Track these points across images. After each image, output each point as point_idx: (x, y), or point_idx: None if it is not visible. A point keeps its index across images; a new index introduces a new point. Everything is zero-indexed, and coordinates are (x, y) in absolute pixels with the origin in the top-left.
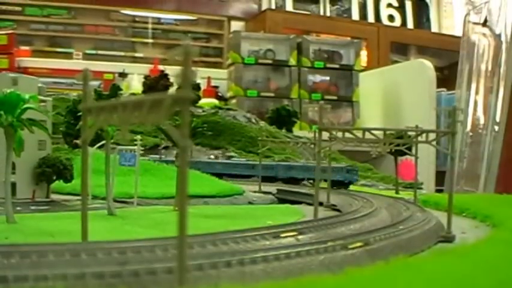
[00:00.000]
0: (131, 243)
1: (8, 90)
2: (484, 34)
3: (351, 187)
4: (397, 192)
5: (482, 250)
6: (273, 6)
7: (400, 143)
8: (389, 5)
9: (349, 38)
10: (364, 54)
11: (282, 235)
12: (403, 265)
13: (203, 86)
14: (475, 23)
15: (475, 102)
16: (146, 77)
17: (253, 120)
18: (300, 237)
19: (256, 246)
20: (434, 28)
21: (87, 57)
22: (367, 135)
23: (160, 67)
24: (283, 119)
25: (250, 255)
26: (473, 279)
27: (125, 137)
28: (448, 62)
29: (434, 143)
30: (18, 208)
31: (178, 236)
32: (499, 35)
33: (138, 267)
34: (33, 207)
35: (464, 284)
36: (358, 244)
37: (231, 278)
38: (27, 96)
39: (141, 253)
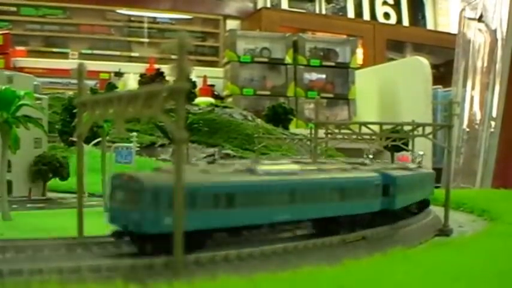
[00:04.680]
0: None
1: (3, 87)
2: (479, 30)
3: None
4: None
5: (480, 242)
6: (269, 5)
7: (397, 137)
8: (385, 3)
9: (344, 36)
10: (360, 52)
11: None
12: (400, 257)
13: (199, 85)
14: (470, 19)
15: (471, 99)
16: (142, 76)
17: (250, 118)
18: (298, 231)
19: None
20: (429, 25)
21: (83, 56)
22: (364, 130)
23: (156, 66)
24: (280, 116)
25: (248, 249)
26: (471, 270)
27: (120, 131)
28: (444, 59)
29: (430, 136)
30: (14, 206)
31: (174, 230)
32: (495, 31)
33: (135, 260)
34: (29, 205)
35: (461, 275)
36: (356, 237)
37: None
38: (22, 93)
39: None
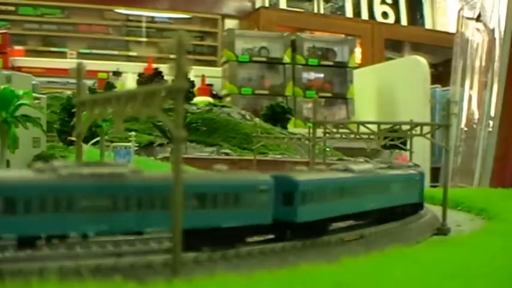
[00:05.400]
0: (125, 236)
1: (2, 87)
2: (477, 29)
3: None
4: None
5: (477, 241)
6: (267, 4)
7: (395, 137)
8: (383, 2)
9: (343, 36)
10: (358, 51)
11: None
12: (398, 255)
13: (197, 84)
14: (468, 18)
15: (469, 98)
16: (140, 75)
17: (248, 117)
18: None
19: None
20: (428, 25)
21: (81, 56)
22: (362, 130)
23: (154, 65)
24: (278, 116)
25: (246, 247)
26: (469, 268)
27: (119, 130)
28: (443, 58)
29: (428, 136)
30: None
31: (173, 228)
32: (493, 30)
33: (134, 259)
34: None
35: (459, 273)
36: (354, 236)
37: (227, 269)
38: (21, 93)
39: (136, 246)
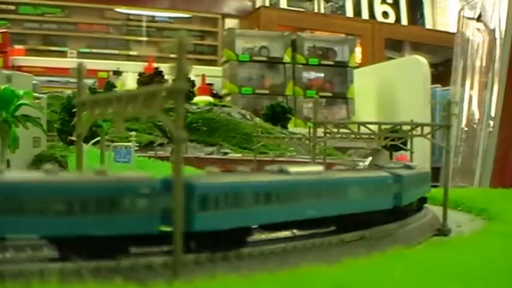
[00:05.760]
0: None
1: (2, 87)
2: (478, 29)
3: None
4: None
5: (478, 242)
6: (267, 4)
7: (395, 137)
8: (383, 2)
9: (343, 35)
10: (358, 51)
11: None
12: (399, 256)
13: (198, 84)
14: (469, 18)
15: (470, 98)
16: (141, 75)
17: (248, 117)
18: (295, 230)
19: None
20: (428, 24)
21: (81, 55)
22: (362, 130)
23: (155, 65)
24: (278, 115)
25: (247, 249)
26: (469, 268)
27: (120, 130)
28: (443, 58)
29: (429, 136)
30: None
31: (174, 229)
32: (493, 30)
33: (134, 260)
34: None
35: (460, 273)
36: (354, 237)
37: (227, 270)
38: (21, 92)
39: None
